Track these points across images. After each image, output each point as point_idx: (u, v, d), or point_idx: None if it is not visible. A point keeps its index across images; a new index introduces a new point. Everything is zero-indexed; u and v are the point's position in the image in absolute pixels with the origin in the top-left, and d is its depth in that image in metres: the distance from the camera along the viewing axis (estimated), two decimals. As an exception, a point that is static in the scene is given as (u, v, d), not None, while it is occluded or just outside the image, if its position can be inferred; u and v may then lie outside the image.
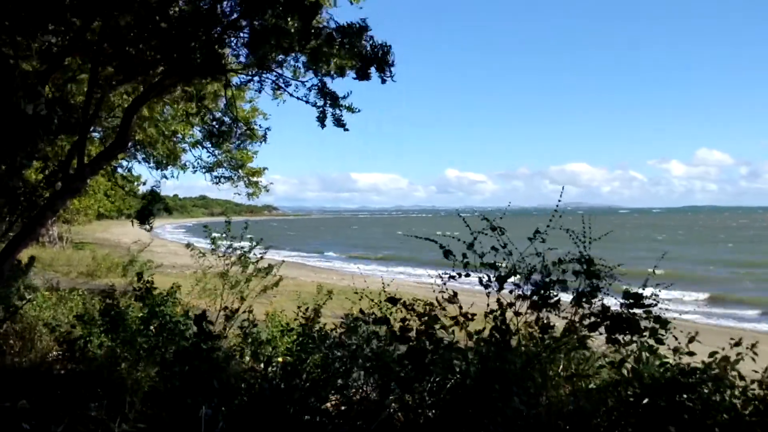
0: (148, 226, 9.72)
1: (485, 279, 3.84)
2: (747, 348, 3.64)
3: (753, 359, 3.57)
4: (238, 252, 9.95)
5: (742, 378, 3.51)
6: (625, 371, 3.74)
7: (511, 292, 3.89)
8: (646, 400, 3.50)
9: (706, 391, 3.41)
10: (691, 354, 3.68)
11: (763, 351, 3.73)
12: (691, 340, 3.74)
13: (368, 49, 6.81)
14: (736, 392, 3.43)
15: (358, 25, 6.76)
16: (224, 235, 9.84)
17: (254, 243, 10.03)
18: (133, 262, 20.32)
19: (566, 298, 3.82)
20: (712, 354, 3.62)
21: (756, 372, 3.54)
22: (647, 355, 3.65)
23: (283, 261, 11.90)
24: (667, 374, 3.55)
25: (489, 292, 3.82)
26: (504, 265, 3.88)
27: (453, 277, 3.88)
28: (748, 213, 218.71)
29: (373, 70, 7.00)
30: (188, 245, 10.51)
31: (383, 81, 7.07)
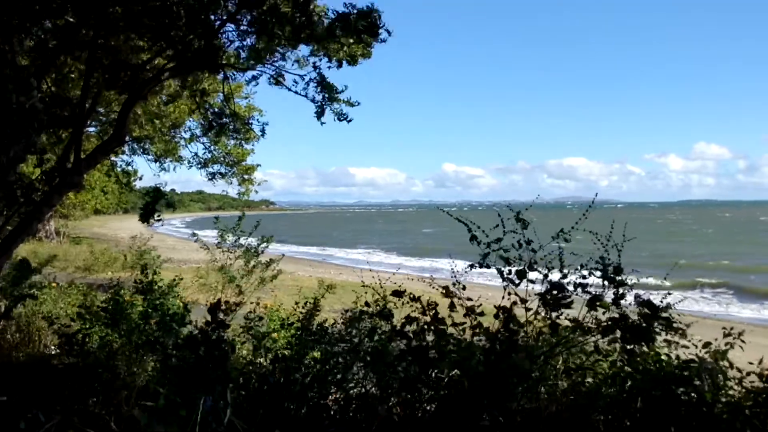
0: (154, 222, 9.76)
1: (506, 272, 3.78)
2: (734, 338, 3.65)
3: (741, 347, 3.58)
4: (244, 247, 10.02)
5: (735, 368, 3.53)
6: (621, 363, 3.75)
7: (526, 289, 3.83)
8: (643, 393, 3.51)
9: (700, 383, 3.42)
10: (684, 347, 3.68)
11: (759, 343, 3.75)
12: (684, 335, 3.75)
13: (359, 21, 6.94)
14: (731, 383, 3.45)
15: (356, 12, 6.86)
16: (233, 229, 9.92)
17: (263, 239, 10.11)
18: (143, 256, 20.30)
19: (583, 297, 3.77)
20: (706, 345, 3.63)
21: (752, 363, 3.56)
22: (645, 348, 3.65)
23: (283, 255, 11.95)
24: (663, 367, 3.56)
25: (506, 285, 3.76)
26: (523, 259, 3.82)
27: (473, 266, 3.83)
28: (736, 207, 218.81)
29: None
30: (194, 235, 10.58)
31: (383, 41, 7.25)
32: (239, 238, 10.18)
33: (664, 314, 3.52)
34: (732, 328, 3.69)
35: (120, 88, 7.75)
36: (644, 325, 3.46)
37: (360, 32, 6.96)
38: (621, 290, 3.62)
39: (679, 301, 3.69)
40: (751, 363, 3.55)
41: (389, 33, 7.15)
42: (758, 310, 21.31)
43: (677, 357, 3.62)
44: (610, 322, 3.57)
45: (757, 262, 36.22)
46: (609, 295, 3.67)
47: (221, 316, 4.23)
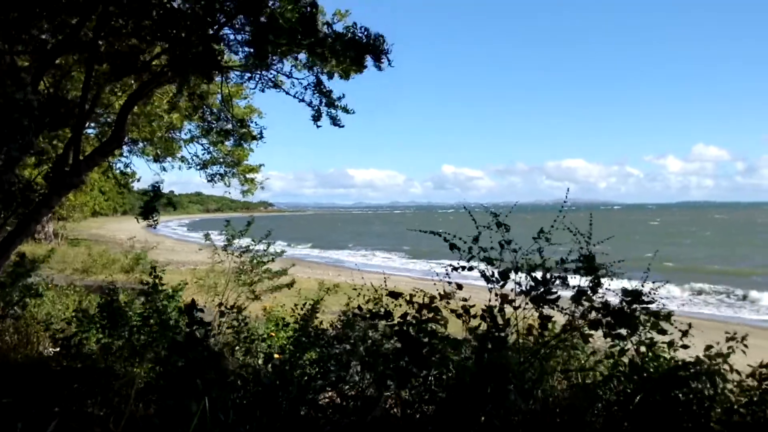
0: (152, 222, 9.73)
1: (488, 272, 3.83)
2: (737, 341, 3.66)
3: (744, 352, 3.60)
4: (252, 252, 10.08)
5: (735, 371, 3.54)
6: (621, 366, 3.75)
7: (513, 289, 3.88)
8: (641, 395, 3.52)
9: (700, 386, 3.43)
10: (685, 347, 3.68)
11: (758, 345, 3.76)
12: (685, 333, 3.75)
13: (363, 40, 6.91)
14: (729, 386, 3.46)
15: (353, 32, 6.88)
16: (241, 233, 9.98)
17: (271, 244, 10.18)
18: (139, 260, 20.39)
19: (568, 294, 3.81)
20: (707, 348, 3.64)
21: (750, 366, 3.56)
22: (644, 350, 3.66)
23: (294, 264, 12.02)
24: (662, 369, 3.56)
25: (491, 287, 3.81)
26: (505, 259, 3.87)
27: (456, 269, 3.88)
28: (734, 209, 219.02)
29: (369, 60, 7.12)
30: (207, 237, 10.63)
31: (380, 69, 7.18)
32: (249, 246, 10.23)
33: (647, 299, 3.55)
34: (735, 333, 3.70)
35: (123, 74, 7.74)
36: (627, 310, 3.49)
37: (362, 53, 6.94)
38: (597, 276, 3.65)
39: (682, 304, 3.72)
40: (750, 366, 3.56)
41: (390, 62, 7.11)
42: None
43: (678, 360, 3.63)
44: (596, 314, 3.59)
45: (755, 264, 36.37)
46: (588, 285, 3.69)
47: (199, 315, 4.12)
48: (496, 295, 3.80)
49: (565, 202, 4.21)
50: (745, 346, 3.65)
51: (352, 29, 6.94)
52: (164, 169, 13.84)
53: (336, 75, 7.54)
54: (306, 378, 4.12)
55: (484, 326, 3.80)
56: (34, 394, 4.56)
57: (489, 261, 3.82)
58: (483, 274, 3.83)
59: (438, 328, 3.88)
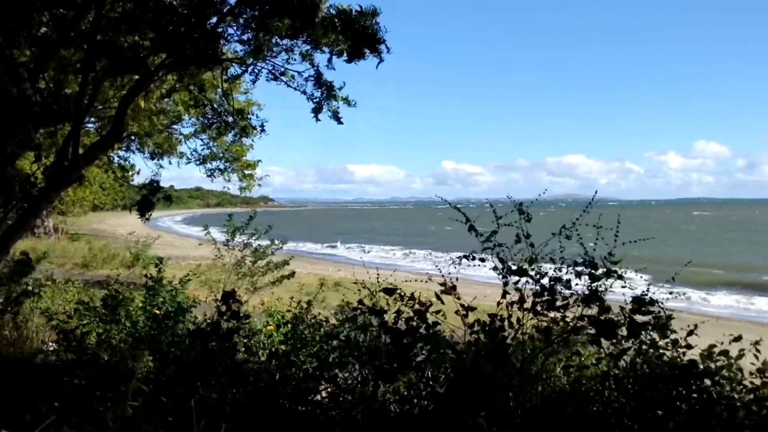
0: (146, 217, 9.73)
1: (500, 268, 3.74)
2: (751, 344, 3.63)
3: (756, 356, 3.56)
4: (253, 246, 10.12)
5: (740, 370, 3.51)
6: (623, 363, 3.73)
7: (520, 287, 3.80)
8: (643, 392, 3.51)
9: (708, 381, 3.41)
10: (689, 347, 3.65)
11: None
12: (690, 333, 3.72)
13: (360, 29, 6.81)
14: (734, 384, 3.44)
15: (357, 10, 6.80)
16: (242, 228, 10.02)
17: (273, 240, 10.24)
18: (142, 252, 20.38)
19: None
20: (711, 347, 3.61)
21: (753, 364, 3.54)
22: (646, 348, 3.64)
23: (293, 256, 12.06)
24: (665, 367, 3.54)
25: (505, 281, 3.71)
26: (519, 255, 3.77)
27: (467, 257, 3.78)
28: (735, 205, 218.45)
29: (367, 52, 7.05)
30: (206, 230, 10.67)
31: (380, 60, 7.07)
32: (250, 238, 10.27)
33: (652, 308, 3.52)
34: (741, 335, 3.67)
35: (120, 74, 7.72)
36: (624, 320, 3.45)
37: (359, 40, 6.85)
38: (596, 285, 3.59)
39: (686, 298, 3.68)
40: (752, 364, 3.54)
41: (388, 49, 7.00)
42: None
43: (681, 358, 3.61)
44: (582, 320, 3.56)
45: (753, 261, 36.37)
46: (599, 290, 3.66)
47: (234, 306, 4.16)
48: (506, 293, 3.70)
49: (590, 203, 4.05)
50: (758, 350, 3.62)
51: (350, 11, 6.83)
52: (161, 166, 13.86)
53: (342, 59, 7.39)
54: (303, 373, 4.13)
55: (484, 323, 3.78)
56: (33, 390, 4.56)
57: (502, 261, 3.71)
58: (495, 268, 3.73)
59: (441, 325, 3.85)
